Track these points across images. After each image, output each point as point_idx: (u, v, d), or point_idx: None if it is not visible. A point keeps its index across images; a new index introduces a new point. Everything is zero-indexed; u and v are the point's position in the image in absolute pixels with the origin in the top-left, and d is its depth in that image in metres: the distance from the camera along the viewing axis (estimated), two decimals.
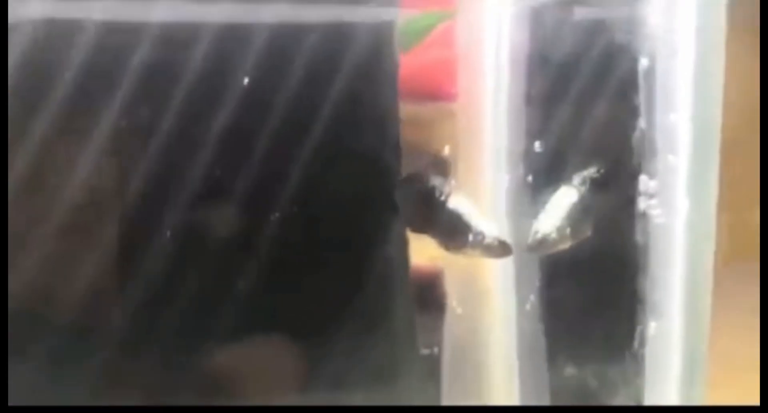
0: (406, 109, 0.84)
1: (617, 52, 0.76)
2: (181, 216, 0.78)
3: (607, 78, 0.77)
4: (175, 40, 0.76)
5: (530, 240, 0.78)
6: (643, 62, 0.71)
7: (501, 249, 0.75)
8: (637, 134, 0.71)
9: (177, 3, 0.76)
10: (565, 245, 0.77)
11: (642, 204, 0.72)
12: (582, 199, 0.78)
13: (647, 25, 0.71)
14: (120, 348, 0.79)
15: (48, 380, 0.78)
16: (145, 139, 0.77)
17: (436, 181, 0.77)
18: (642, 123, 0.71)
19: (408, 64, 0.85)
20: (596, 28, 0.78)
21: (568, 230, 0.77)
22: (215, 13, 0.77)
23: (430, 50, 0.87)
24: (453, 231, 0.75)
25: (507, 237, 0.77)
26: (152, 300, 0.79)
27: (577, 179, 0.79)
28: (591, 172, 0.80)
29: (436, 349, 0.85)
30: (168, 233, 0.78)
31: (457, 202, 0.76)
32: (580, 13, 0.81)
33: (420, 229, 0.79)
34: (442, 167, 0.81)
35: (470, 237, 0.75)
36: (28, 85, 0.73)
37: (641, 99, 0.71)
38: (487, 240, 0.75)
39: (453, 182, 0.79)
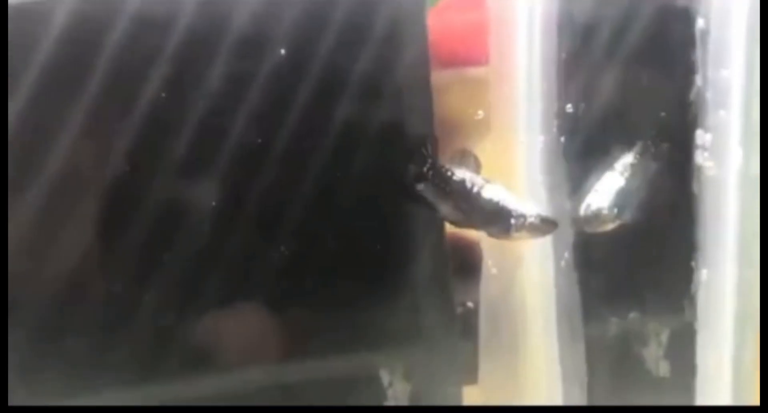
0: (437, 75, 0.82)
1: (666, 11, 0.77)
2: (211, 201, 0.78)
3: (655, 36, 0.78)
4: (205, 11, 0.75)
5: (583, 213, 0.79)
6: (700, 22, 0.73)
7: (546, 225, 0.75)
8: (693, 90, 0.74)
9: None
10: (611, 226, 0.78)
11: (698, 157, 0.74)
12: (629, 185, 0.79)
13: None
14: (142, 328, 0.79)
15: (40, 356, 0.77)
16: (167, 121, 0.75)
17: (465, 173, 0.77)
18: (698, 80, 0.74)
19: (438, 29, 0.83)
20: None
21: (615, 210, 0.78)
22: None
23: (459, 14, 0.87)
24: (494, 220, 0.75)
25: (545, 202, 0.77)
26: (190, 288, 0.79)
27: (624, 163, 0.81)
28: (637, 152, 0.81)
29: (473, 308, 0.85)
30: (200, 220, 0.78)
31: (491, 191, 0.76)
32: None
33: (462, 224, 0.79)
34: (469, 158, 0.80)
35: (512, 222, 0.74)
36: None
37: (698, 56, 0.73)
38: (530, 220, 0.74)
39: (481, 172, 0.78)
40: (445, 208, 0.78)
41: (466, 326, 0.85)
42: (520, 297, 0.83)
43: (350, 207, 0.81)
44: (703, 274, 0.76)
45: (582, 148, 0.81)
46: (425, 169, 0.78)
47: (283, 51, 0.76)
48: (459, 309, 0.86)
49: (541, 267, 0.83)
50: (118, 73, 0.73)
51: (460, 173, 0.77)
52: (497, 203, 0.75)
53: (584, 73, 0.82)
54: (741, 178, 0.75)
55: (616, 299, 0.85)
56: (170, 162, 0.76)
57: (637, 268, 0.84)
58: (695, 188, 0.76)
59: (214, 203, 0.77)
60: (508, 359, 0.85)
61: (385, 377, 0.86)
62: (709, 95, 0.75)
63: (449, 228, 0.85)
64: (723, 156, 0.75)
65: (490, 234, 0.77)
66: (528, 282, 0.83)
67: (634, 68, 0.81)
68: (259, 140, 0.77)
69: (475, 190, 0.76)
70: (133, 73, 0.74)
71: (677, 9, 0.76)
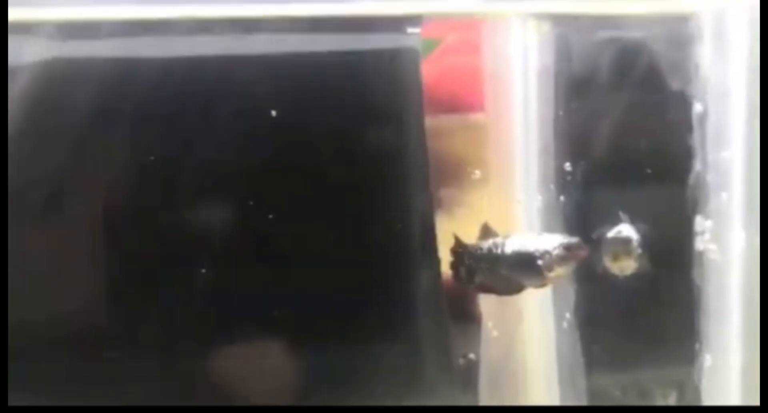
0: (431, 123, 0.82)
1: (664, 81, 0.76)
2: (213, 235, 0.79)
3: (652, 107, 0.77)
4: (204, 73, 0.76)
5: (613, 235, 0.79)
6: (697, 106, 0.72)
7: (574, 252, 0.71)
8: (692, 176, 0.73)
9: (208, 36, 0.75)
10: (632, 265, 0.78)
11: (699, 242, 0.73)
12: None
13: (699, 68, 0.73)
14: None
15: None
16: (174, 174, 0.77)
17: (489, 242, 0.77)
18: (697, 164, 0.73)
19: (436, 73, 0.83)
20: (640, 57, 0.79)
21: (639, 251, 0.78)
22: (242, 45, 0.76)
23: (457, 57, 0.86)
24: (527, 270, 0.73)
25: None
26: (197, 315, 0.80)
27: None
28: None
29: (472, 369, 0.85)
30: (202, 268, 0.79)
31: (511, 244, 0.75)
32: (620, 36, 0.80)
33: (510, 289, 0.77)
34: (486, 229, 0.79)
35: (540, 263, 0.71)
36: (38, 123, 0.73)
37: (695, 140, 0.72)
38: (556, 253, 0.71)
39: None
40: (494, 282, 0.78)
41: (467, 379, 0.85)
42: (521, 358, 0.84)
43: (345, 261, 0.82)
44: (707, 359, 0.75)
45: (582, 208, 0.81)
46: (467, 263, 0.78)
47: (274, 110, 0.77)
48: (461, 361, 0.86)
49: (542, 328, 0.83)
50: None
51: (485, 245, 0.77)
52: (520, 252, 0.73)
53: (582, 132, 0.81)
54: (745, 261, 0.73)
55: (620, 359, 0.84)
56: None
57: (641, 332, 0.82)
58: (697, 274, 0.75)
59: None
60: None
61: None
62: (709, 178, 0.74)
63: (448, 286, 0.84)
64: (725, 239, 0.74)
65: (535, 287, 0.75)
66: (529, 343, 0.83)
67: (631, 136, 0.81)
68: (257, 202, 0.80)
69: (500, 250, 0.75)
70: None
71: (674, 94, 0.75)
